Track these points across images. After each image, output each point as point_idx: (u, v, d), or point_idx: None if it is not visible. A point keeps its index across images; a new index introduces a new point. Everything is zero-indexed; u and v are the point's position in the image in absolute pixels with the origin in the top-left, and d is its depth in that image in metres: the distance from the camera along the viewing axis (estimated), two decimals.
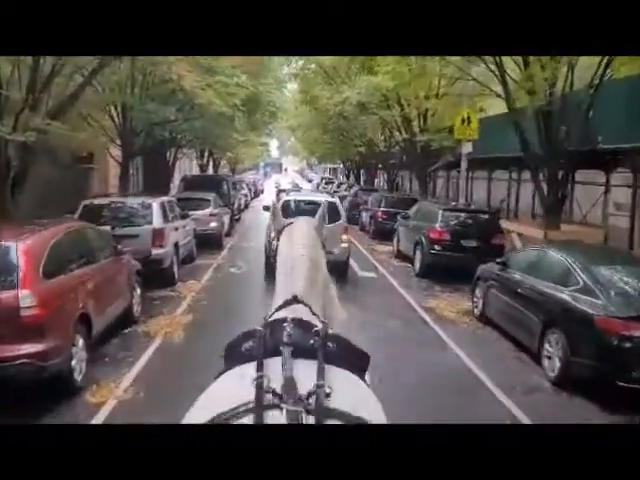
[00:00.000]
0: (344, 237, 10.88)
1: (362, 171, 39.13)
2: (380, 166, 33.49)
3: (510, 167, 19.60)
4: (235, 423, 1.14)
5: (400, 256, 14.26)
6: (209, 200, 15.01)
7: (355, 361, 1.41)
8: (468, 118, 15.72)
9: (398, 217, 16.98)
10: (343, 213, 11.64)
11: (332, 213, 9.93)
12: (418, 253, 12.16)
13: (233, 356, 1.40)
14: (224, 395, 1.25)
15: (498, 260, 8.09)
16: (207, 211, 14.64)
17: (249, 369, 1.27)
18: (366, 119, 20.87)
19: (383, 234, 17.47)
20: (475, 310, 8.78)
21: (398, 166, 28.86)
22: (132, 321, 7.75)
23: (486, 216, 12.10)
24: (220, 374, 1.37)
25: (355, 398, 1.26)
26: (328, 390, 1.20)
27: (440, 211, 11.85)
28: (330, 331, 1.42)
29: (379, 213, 18.01)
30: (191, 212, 13.79)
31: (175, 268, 10.37)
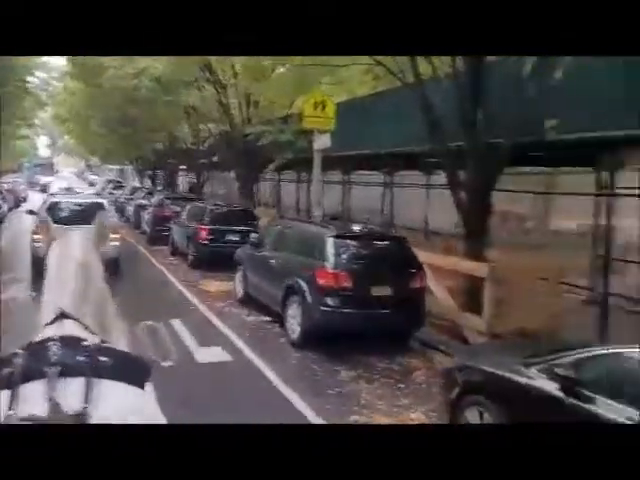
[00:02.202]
0: (113, 236, 11.04)
1: (159, 173, 32.68)
2: (183, 167, 27.77)
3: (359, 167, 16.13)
4: None
5: (246, 302, 9.34)
6: None
7: (134, 372, 1.39)
8: (322, 102, 11.70)
9: (228, 237, 12.30)
10: (111, 212, 12.65)
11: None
12: (297, 310, 7.34)
13: None
14: None
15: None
16: None
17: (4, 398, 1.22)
18: (172, 100, 15.33)
19: (210, 262, 12.29)
20: None
21: (209, 166, 23.61)
22: None
23: (390, 243, 7.90)
24: None
25: (128, 408, 1.28)
26: (95, 406, 1.21)
27: (330, 239, 7.23)
28: (105, 345, 1.41)
29: (203, 232, 12.66)
30: None
31: None
